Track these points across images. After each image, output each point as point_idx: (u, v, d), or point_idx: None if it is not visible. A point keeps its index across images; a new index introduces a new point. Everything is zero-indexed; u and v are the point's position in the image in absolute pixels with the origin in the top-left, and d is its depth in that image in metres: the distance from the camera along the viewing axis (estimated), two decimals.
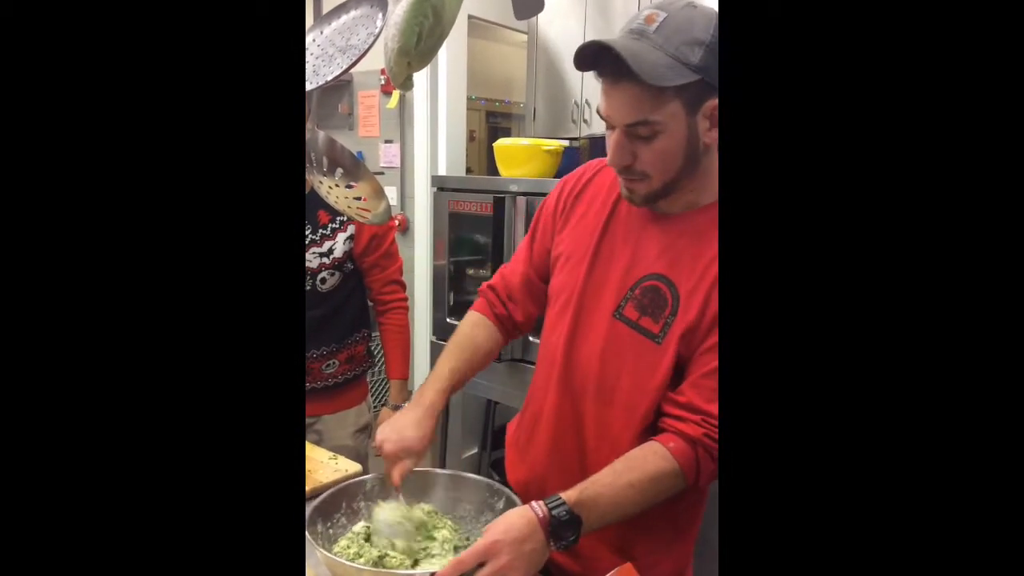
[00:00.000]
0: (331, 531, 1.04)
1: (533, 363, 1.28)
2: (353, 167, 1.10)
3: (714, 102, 0.89)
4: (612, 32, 2.95)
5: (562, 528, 0.86)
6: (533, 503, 0.88)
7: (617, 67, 0.86)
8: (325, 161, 1.11)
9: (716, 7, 0.88)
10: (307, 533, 0.94)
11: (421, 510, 1.04)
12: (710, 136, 0.92)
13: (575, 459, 1.06)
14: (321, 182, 1.15)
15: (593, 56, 0.89)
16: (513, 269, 1.19)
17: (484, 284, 1.22)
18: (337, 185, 1.13)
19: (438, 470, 1.14)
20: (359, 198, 1.14)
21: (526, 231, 1.21)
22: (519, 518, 0.87)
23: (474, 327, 1.18)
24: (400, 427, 1.04)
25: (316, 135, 1.11)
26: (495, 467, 3.01)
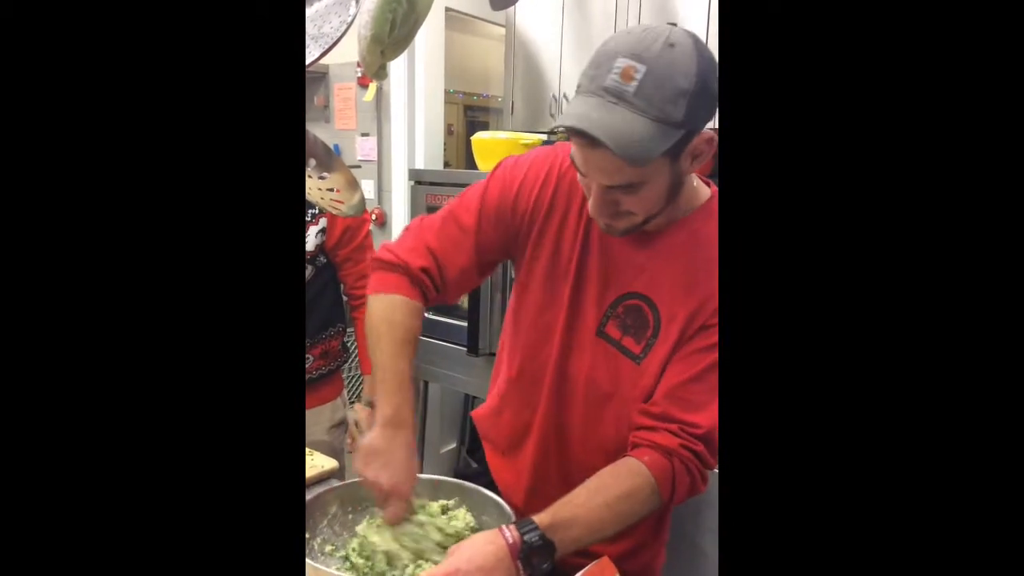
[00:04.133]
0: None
1: None
2: (326, 158, 1.09)
3: (697, 139, 0.85)
4: (591, 27, 2.92)
5: (534, 554, 0.82)
6: (503, 527, 0.84)
7: (594, 139, 0.79)
8: None
9: (692, 40, 0.80)
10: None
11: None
12: (692, 167, 0.89)
13: (562, 472, 1.05)
14: None
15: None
16: (450, 260, 1.04)
17: (403, 260, 1.04)
18: (310, 176, 1.12)
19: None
20: (332, 189, 1.13)
21: None
22: (486, 544, 0.82)
23: (411, 317, 1.02)
24: (394, 469, 0.94)
25: None
26: (472, 455, 2.99)
